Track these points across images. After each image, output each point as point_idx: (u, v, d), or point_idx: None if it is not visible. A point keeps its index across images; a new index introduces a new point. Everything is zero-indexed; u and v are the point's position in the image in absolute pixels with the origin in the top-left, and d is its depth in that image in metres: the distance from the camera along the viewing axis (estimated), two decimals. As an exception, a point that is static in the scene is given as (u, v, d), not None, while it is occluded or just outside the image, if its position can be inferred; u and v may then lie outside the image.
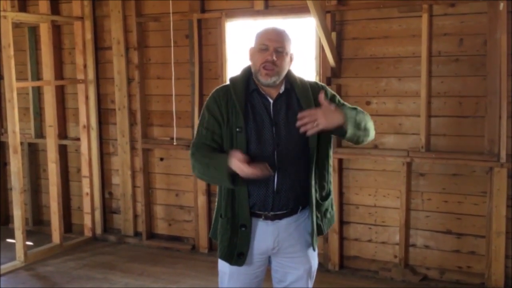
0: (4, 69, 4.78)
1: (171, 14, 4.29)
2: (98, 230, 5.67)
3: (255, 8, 4.78)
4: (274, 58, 2.40)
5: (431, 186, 4.35)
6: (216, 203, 2.61)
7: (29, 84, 5.70)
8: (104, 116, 5.63)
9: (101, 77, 5.58)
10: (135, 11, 5.24)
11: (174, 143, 5.07)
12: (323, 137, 2.50)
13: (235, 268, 2.55)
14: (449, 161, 4.22)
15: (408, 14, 4.28)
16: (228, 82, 2.57)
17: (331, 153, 2.60)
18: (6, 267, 4.79)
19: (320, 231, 2.59)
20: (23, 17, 5.02)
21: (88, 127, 5.54)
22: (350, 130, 2.37)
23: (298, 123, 2.31)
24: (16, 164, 4.80)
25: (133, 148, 5.47)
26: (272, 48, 2.41)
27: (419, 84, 4.27)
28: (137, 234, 5.56)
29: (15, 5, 5.49)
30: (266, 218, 2.50)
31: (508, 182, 4.04)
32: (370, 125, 2.51)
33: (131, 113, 5.44)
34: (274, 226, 2.51)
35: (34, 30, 5.84)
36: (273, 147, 2.44)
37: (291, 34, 2.51)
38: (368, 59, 4.46)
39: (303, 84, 2.54)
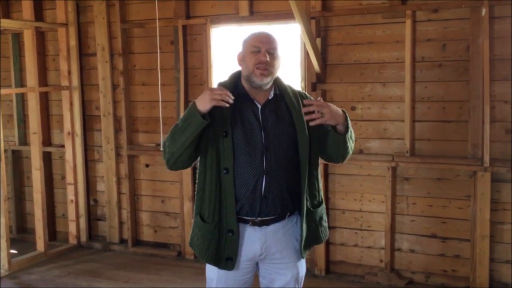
0: (-13, 75, 4.75)
1: (157, 20, 4.28)
2: (83, 238, 5.63)
3: (240, 14, 4.80)
4: (268, 59, 2.44)
5: (416, 191, 4.38)
6: (194, 211, 2.60)
7: (13, 90, 5.66)
8: (88, 122, 5.60)
9: (86, 84, 5.56)
10: (120, 17, 5.23)
11: (161, 149, 5.03)
12: (313, 146, 2.52)
13: (223, 274, 2.53)
14: (434, 165, 4.25)
15: (391, 20, 4.32)
16: (217, 85, 2.57)
17: (319, 161, 2.62)
18: (-10, 275, 4.74)
19: (316, 240, 2.61)
20: (6, 23, 4.98)
21: (72, 133, 5.50)
22: (348, 131, 2.47)
23: (304, 110, 2.42)
24: (-1, 172, 4.76)
25: (118, 155, 5.44)
26: (264, 49, 2.45)
27: (403, 89, 4.30)
28: (122, 241, 5.52)
29: (-2, 11, 5.46)
30: (254, 224, 2.49)
31: (492, 186, 4.08)
32: (354, 140, 2.60)
33: (116, 120, 5.41)
34: (262, 232, 2.50)
35: (17, 37, 5.81)
36: (261, 151, 2.45)
37: (278, 38, 2.54)
38: (353, 65, 4.49)
39: (293, 92, 2.57)
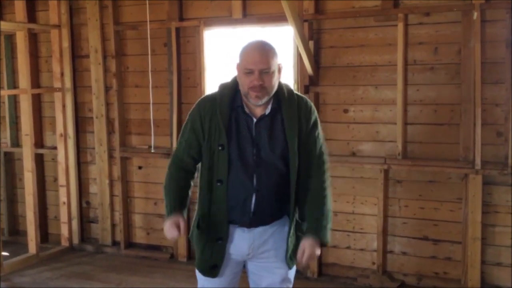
0: (-21, 77, 4.73)
1: (148, 22, 4.28)
2: (75, 240, 5.61)
3: (233, 16, 4.80)
4: (261, 82, 2.35)
5: (408, 193, 4.40)
6: (196, 208, 2.62)
7: (5, 92, 5.63)
8: (81, 124, 5.59)
9: (79, 86, 5.55)
10: (113, 19, 5.22)
11: (152, 151, 5.05)
12: (302, 161, 2.48)
13: None
14: (425, 168, 4.27)
15: (384, 23, 4.34)
16: (217, 89, 2.53)
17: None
18: (-19, 278, 4.72)
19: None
20: (-1, 25, 4.97)
21: (65, 135, 5.49)
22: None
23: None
24: (-9, 174, 4.74)
25: (111, 157, 5.44)
26: (257, 71, 2.34)
27: (395, 92, 4.32)
28: (115, 243, 5.51)
29: (-9, 13, 5.45)
30: (243, 225, 2.51)
31: (483, 189, 4.10)
32: (331, 208, 2.56)
33: (109, 122, 5.41)
34: (250, 233, 2.51)
35: (10, 38, 5.79)
36: (253, 168, 2.43)
37: (274, 47, 2.43)
38: (345, 68, 4.50)
39: (291, 105, 2.47)
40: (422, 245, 4.39)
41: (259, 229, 2.51)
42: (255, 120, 2.45)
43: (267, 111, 2.45)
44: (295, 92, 2.56)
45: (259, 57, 2.36)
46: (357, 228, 4.58)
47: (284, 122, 2.45)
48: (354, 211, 4.58)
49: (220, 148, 2.41)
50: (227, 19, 4.85)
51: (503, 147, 4.07)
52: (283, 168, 2.45)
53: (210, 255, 2.50)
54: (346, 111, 4.53)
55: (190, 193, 2.59)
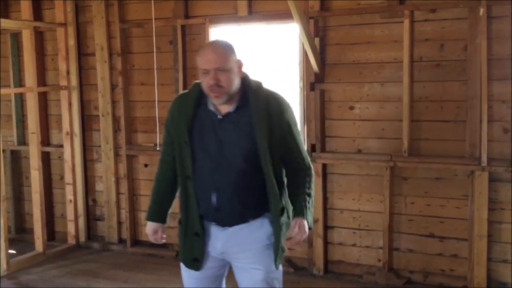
0: (-14, 75, 4.75)
1: (153, 20, 4.29)
2: (82, 238, 5.63)
3: (239, 14, 4.80)
4: (216, 81, 2.35)
5: (414, 190, 4.39)
6: None
7: (12, 90, 5.66)
8: (87, 122, 5.60)
9: (85, 84, 5.56)
10: (119, 17, 5.23)
11: (158, 149, 5.05)
12: (275, 156, 2.44)
13: (193, 271, 2.61)
14: (431, 165, 4.26)
15: (390, 20, 4.33)
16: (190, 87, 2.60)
17: (282, 168, 2.53)
18: (-12, 275, 4.74)
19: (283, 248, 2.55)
20: (5, 23, 4.98)
21: (71, 133, 5.51)
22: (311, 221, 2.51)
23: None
24: (-2, 171, 4.76)
25: (117, 155, 5.45)
26: (213, 71, 2.35)
27: (401, 89, 4.31)
28: (121, 241, 5.53)
29: (-3, 11, 5.46)
30: (217, 223, 2.53)
31: (489, 186, 4.08)
32: (313, 194, 2.55)
33: (115, 120, 5.42)
34: (224, 232, 2.52)
35: (16, 37, 5.81)
36: (215, 166, 2.43)
37: (230, 44, 2.43)
38: (351, 64, 4.49)
39: (259, 101, 2.43)
40: (428, 242, 4.38)
41: (233, 229, 2.50)
42: (220, 117, 2.45)
43: (231, 108, 2.44)
44: (268, 88, 2.52)
45: (213, 56, 2.37)
46: (363, 225, 4.58)
47: (252, 118, 2.42)
48: (360, 208, 4.57)
49: (184, 144, 2.46)
50: (232, 17, 4.85)
51: (510, 143, 4.06)
52: (249, 167, 2.42)
53: (191, 248, 2.55)
54: (352, 108, 4.52)
55: (174, 195, 2.73)
